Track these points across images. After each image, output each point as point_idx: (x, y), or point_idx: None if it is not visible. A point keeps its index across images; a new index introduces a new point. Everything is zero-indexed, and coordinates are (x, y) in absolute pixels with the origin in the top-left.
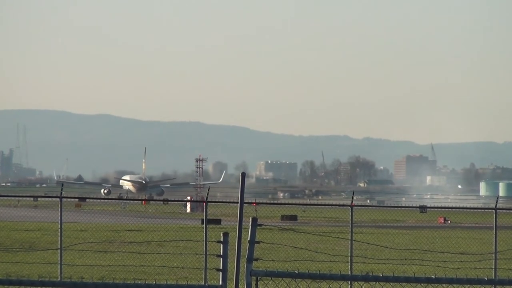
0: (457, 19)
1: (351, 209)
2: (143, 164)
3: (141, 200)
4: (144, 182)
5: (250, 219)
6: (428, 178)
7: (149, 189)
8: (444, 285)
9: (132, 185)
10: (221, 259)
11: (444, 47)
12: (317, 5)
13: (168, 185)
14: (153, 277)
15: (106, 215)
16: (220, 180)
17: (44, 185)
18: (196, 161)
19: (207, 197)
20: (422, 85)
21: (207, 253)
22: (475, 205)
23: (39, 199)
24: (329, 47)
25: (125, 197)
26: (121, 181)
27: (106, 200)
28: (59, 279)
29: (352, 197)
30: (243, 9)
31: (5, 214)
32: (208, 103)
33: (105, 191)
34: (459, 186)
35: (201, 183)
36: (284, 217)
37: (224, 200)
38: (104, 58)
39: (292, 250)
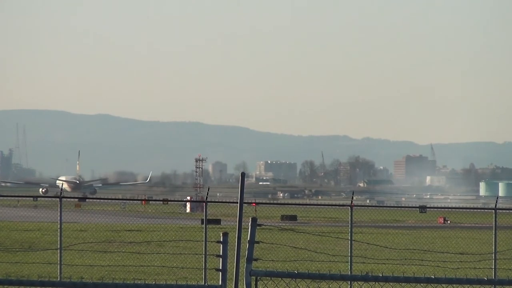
0: (457, 19)
1: (351, 209)
2: (77, 166)
3: (77, 198)
4: (78, 182)
5: (250, 219)
6: (428, 178)
7: (83, 189)
8: (443, 285)
9: (68, 185)
10: (221, 259)
11: (444, 47)
12: (317, 5)
13: (101, 185)
14: (153, 277)
15: (106, 215)
16: (148, 180)
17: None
18: (196, 161)
19: (206, 197)
20: (422, 85)
21: (207, 253)
22: (475, 205)
23: (38, 199)
24: (329, 47)
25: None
26: (57, 181)
27: (106, 200)
28: (58, 279)
29: (352, 197)
30: (244, 9)
31: (5, 214)
32: (208, 103)
33: (43, 190)
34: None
35: (133, 183)
36: (284, 217)
37: (224, 200)
38: (103, 58)
39: (291, 250)
